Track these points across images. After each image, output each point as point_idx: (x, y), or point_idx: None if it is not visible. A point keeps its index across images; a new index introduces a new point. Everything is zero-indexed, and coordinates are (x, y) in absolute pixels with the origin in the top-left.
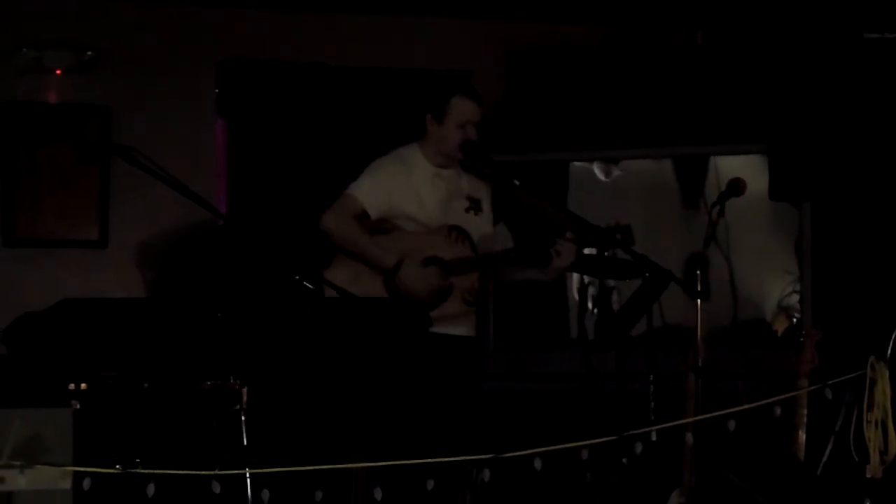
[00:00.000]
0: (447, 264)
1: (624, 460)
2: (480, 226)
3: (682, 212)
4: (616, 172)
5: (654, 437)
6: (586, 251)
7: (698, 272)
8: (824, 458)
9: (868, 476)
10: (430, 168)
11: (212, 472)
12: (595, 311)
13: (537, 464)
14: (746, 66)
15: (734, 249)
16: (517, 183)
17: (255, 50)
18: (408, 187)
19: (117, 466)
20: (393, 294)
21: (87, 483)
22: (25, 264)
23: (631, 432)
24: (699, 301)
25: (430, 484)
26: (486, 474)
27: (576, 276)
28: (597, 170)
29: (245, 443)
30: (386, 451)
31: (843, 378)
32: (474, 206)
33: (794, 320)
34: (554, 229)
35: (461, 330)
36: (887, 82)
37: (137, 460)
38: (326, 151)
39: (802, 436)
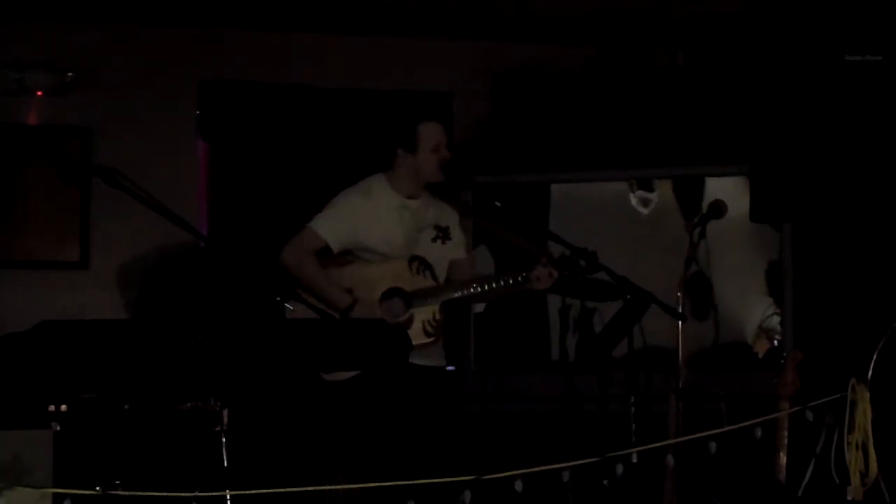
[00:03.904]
0: (408, 295)
1: (605, 482)
2: (449, 253)
3: (664, 233)
4: (654, 202)
5: (635, 459)
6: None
7: (679, 294)
8: (805, 480)
9: (849, 498)
10: (396, 199)
11: (192, 494)
12: (576, 332)
13: (518, 485)
14: (728, 88)
15: (715, 271)
16: (498, 204)
17: (237, 72)
18: (372, 220)
19: (97, 488)
20: None
21: None
22: (5, 285)
23: (612, 454)
24: (680, 323)
25: None
26: (468, 496)
27: (557, 297)
28: (634, 201)
29: (225, 464)
30: (367, 473)
31: (824, 400)
32: (442, 234)
33: (776, 342)
34: (530, 254)
35: (429, 361)
36: (868, 104)
37: (118, 482)
38: (308, 173)
39: (783, 458)
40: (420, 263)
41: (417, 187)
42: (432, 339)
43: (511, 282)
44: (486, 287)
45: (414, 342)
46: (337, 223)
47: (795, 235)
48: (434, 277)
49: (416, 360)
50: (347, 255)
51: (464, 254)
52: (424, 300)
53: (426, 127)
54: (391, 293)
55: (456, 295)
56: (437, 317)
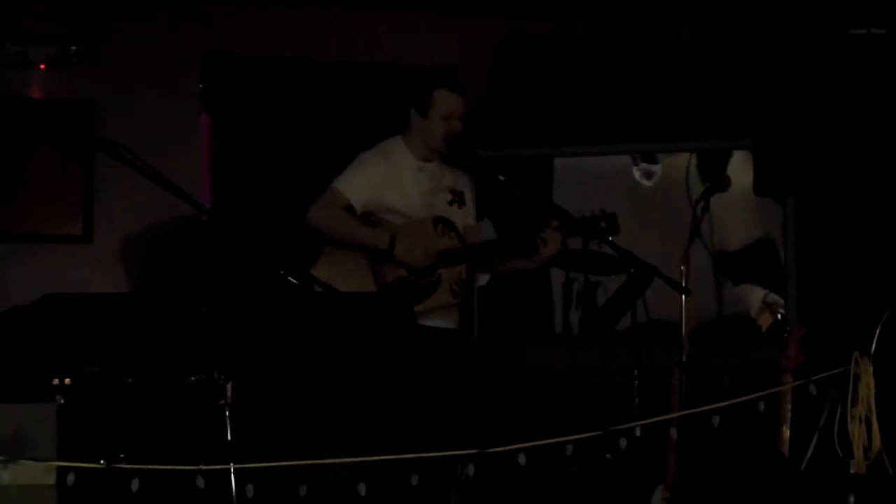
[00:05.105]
0: (435, 255)
1: (608, 455)
2: (464, 217)
3: (666, 207)
4: (657, 174)
5: (638, 433)
6: (570, 245)
7: (683, 267)
8: (808, 454)
9: (852, 472)
10: (414, 161)
11: (196, 468)
12: (580, 306)
13: (522, 459)
14: (732, 61)
15: (719, 245)
16: (502, 178)
17: (241, 44)
18: (392, 181)
19: (101, 461)
20: (382, 286)
21: (71, 478)
22: (9, 259)
23: (615, 427)
24: (683, 297)
25: (415, 479)
26: (471, 469)
27: (560, 271)
28: (637, 174)
29: (229, 438)
30: (371, 447)
31: (827, 374)
32: (457, 198)
33: (779, 316)
34: (538, 221)
35: (446, 323)
36: (873, 78)
37: (122, 455)
38: (311, 146)
39: (787, 431)
40: (445, 224)
41: (430, 152)
42: (458, 299)
43: (527, 244)
44: (511, 248)
45: (441, 302)
46: (359, 183)
47: (799, 209)
48: (459, 238)
49: (433, 321)
50: (371, 216)
51: (474, 221)
52: (450, 260)
53: (441, 93)
54: None
55: (481, 254)
56: (464, 276)
